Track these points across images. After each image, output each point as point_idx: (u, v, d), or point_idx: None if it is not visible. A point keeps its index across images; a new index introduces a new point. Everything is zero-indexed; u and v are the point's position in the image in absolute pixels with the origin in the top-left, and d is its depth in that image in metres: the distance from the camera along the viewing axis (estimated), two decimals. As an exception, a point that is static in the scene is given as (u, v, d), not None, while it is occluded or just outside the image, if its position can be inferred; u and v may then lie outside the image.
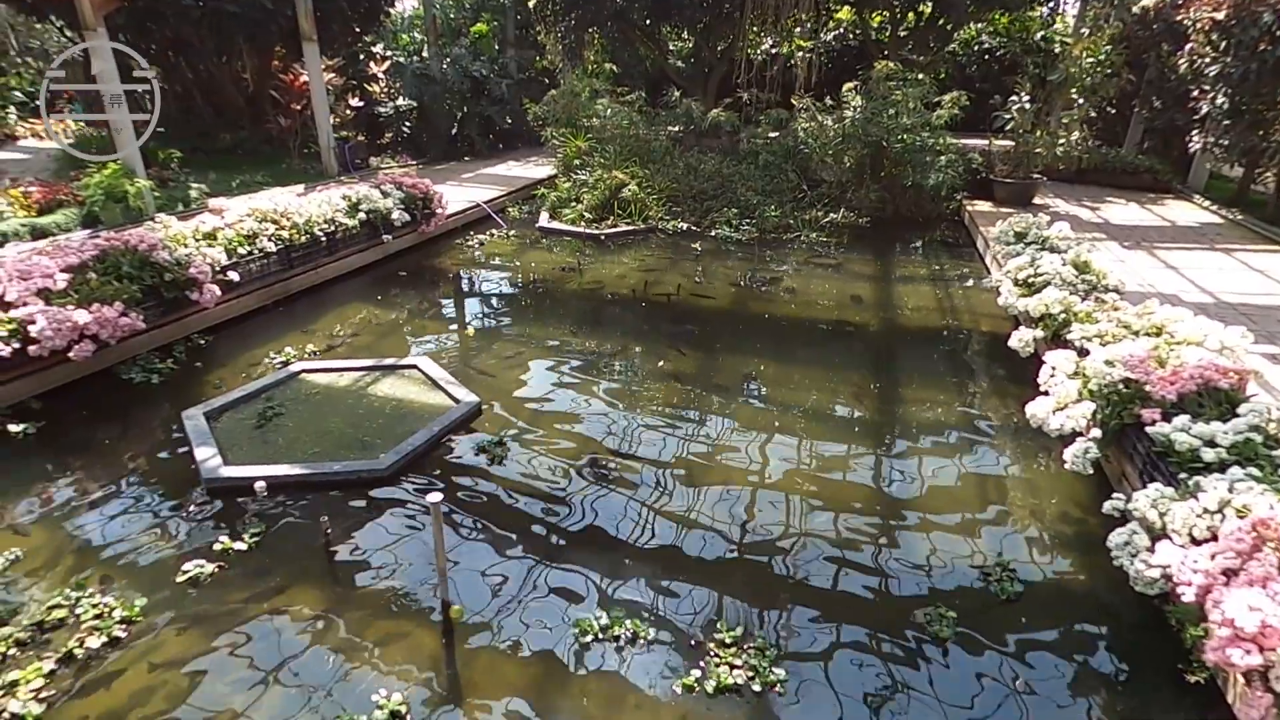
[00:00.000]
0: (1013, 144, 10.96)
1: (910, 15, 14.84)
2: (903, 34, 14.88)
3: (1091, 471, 3.85)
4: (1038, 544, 3.80)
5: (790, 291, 7.89)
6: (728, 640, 3.03)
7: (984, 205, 10.72)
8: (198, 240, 6.37)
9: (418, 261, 8.78)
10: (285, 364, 5.70)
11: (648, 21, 15.48)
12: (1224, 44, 8.72)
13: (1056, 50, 11.58)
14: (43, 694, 2.79)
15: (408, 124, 14.61)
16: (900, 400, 5.46)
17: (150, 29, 12.53)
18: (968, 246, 9.71)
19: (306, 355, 5.91)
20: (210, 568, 3.44)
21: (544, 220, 10.43)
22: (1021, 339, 5.26)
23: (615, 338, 6.53)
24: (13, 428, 4.64)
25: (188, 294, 5.91)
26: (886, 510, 4.03)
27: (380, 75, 15.96)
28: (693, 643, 3.06)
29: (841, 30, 17.44)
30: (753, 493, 4.16)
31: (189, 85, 13.83)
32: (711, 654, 2.99)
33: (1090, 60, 10.25)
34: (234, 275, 6.37)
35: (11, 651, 2.96)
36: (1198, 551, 2.75)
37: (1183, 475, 3.23)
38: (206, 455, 4.28)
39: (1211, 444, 3.28)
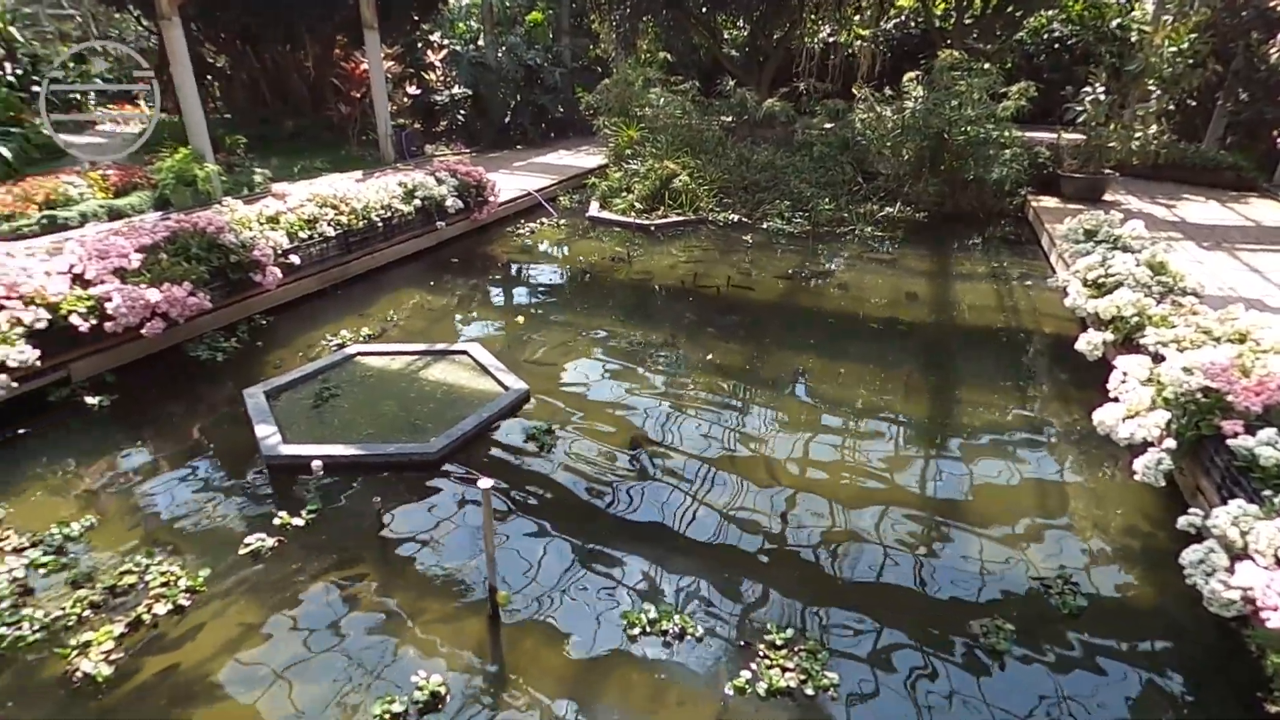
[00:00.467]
0: (1083, 138, 10.48)
1: (977, 2, 14.31)
2: (968, 21, 14.36)
3: (1163, 484, 3.65)
4: (1102, 557, 3.64)
5: (842, 287, 7.72)
6: (778, 642, 2.98)
7: (1050, 201, 10.30)
8: (261, 224, 6.57)
9: (470, 248, 8.89)
10: (341, 346, 5.85)
11: (703, 9, 15.31)
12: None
13: (1134, 39, 11.01)
14: (112, 656, 2.92)
15: (462, 112, 14.79)
16: (954, 401, 5.29)
17: (218, 18, 12.95)
18: (1031, 244, 9.34)
19: (361, 338, 6.05)
20: (271, 541, 3.55)
21: (594, 210, 10.43)
22: (1090, 342, 5.02)
23: (663, 329, 6.50)
24: (90, 400, 4.87)
25: (251, 276, 6.11)
26: (936, 513, 3.92)
27: (437, 63, 16.19)
28: (742, 643, 3.03)
29: (903, 18, 16.92)
30: (797, 489, 4.09)
31: (256, 74, 14.25)
32: (762, 655, 2.95)
33: (1171, 49, 9.71)
34: (295, 258, 6.55)
35: (85, 613, 3.11)
36: (1284, 574, 2.58)
37: (1267, 492, 3.04)
38: (266, 433, 4.41)
39: (1302, 460, 3.08)
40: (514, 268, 8.56)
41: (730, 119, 12.86)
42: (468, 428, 4.53)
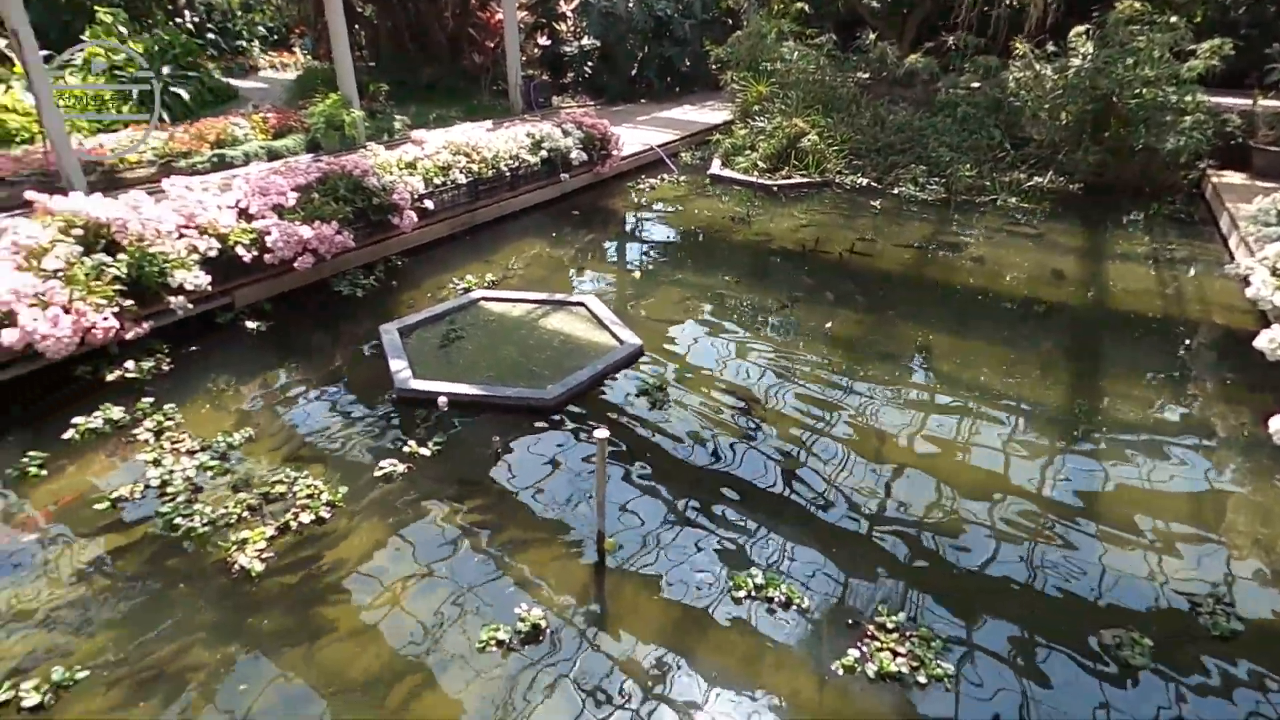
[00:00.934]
0: (1286, 104, 9.10)
1: (1168, -56, 12.57)
2: (1154, -33, 12.66)
3: (1351, 507, 3.22)
4: (1262, 578, 3.27)
5: (977, 260, 7.20)
6: (889, 625, 2.90)
7: (1235, 177, 9.08)
8: (400, 169, 6.91)
9: (591, 201, 8.98)
10: (467, 291, 6.11)
11: (846, -45, 14.33)
12: None
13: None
14: (264, 555, 3.26)
15: (590, 64, 14.79)
16: (1095, 392, 4.85)
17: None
18: (1206, 224, 8.30)
19: (485, 284, 6.29)
20: (401, 468, 3.82)
21: (716, 167, 10.23)
22: (1274, 340, 4.44)
23: (779, 293, 6.33)
24: (249, 325, 5.38)
25: (390, 218, 6.46)
26: (1061, 510, 3.64)
27: (568, 14, 16.20)
28: (850, 621, 2.97)
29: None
30: (907, 466, 3.92)
31: (399, 23, 14.84)
32: (870, 635, 2.88)
33: None
34: (429, 203, 6.86)
35: (244, 514, 3.48)
36: None
37: None
38: (398, 367, 4.71)
39: None
40: (632, 223, 8.58)
41: (867, 75, 12.12)
42: (583, 378, 4.64)
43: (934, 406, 4.59)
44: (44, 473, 3.79)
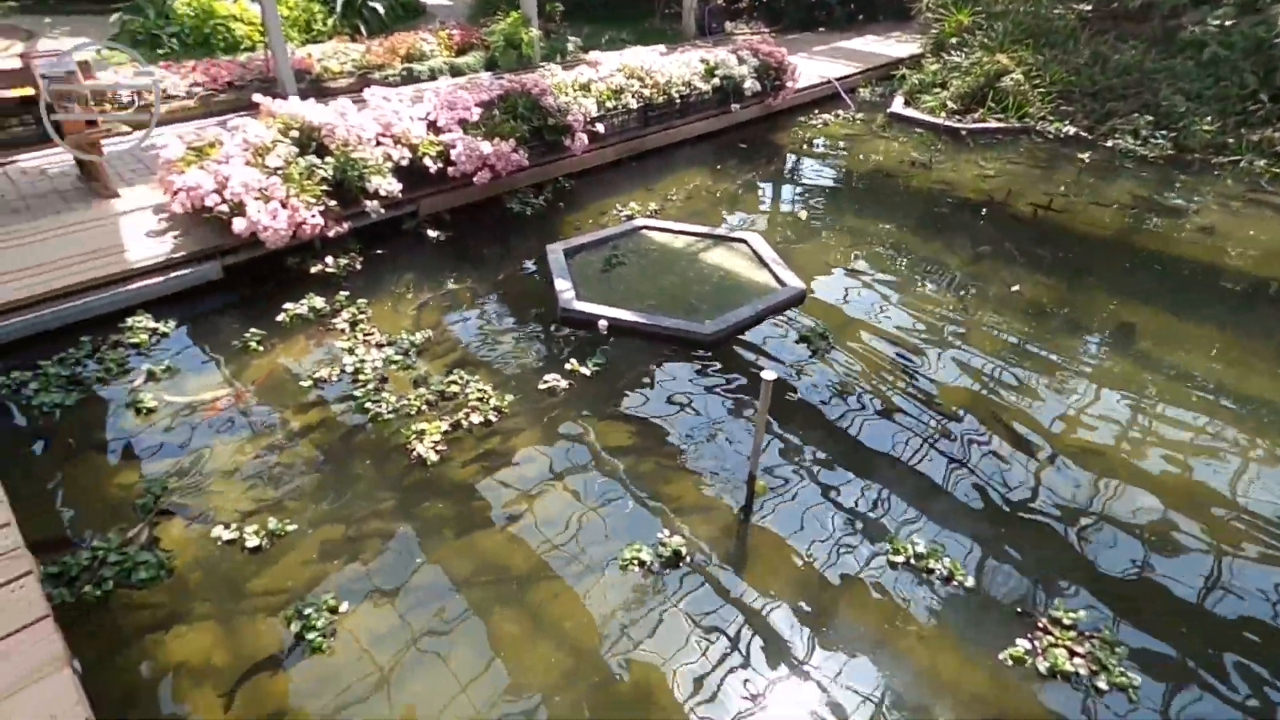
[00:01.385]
0: None
1: None
2: None
3: None
4: None
5: (1205, 231, 6.22)
6: (1065, 620, 2.69)
7: None
8: (575, 90, 6.94)
9: (759, 135, 8.63)
10: (630, 218, 6.12)
11: None
12: None
13: None
14: (438, 447, 3.54)
15: (768, -13, 13.97)
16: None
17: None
18: None
19: (648, 213, 6.27)
20: (563, 383, 3.98)
21: (897, 105, 9.45)
22: None
23: (959, 249, 5.83)
24: (430, 233, 5.72)
25: (563, 139, 6.54)
26: (1268, 526, 3.16)
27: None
28: (1020, 610, 2.78)
29: None
30: (1098, 458, 3.53)
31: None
32: (1044, 629, 2.69)
33: None
34: (600, 127, 6.86)
35: (423, 407, 3.78)
36: None
37: None
38: (563, 287, 4.84)
39: None
40: (800, 160, 8.17)
41: (1089, 7, 10.55)
42: (743, 315, 4.56)
43: (1131, 391, 4.10)
44: (260, 349, 4.29)
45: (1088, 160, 7.84)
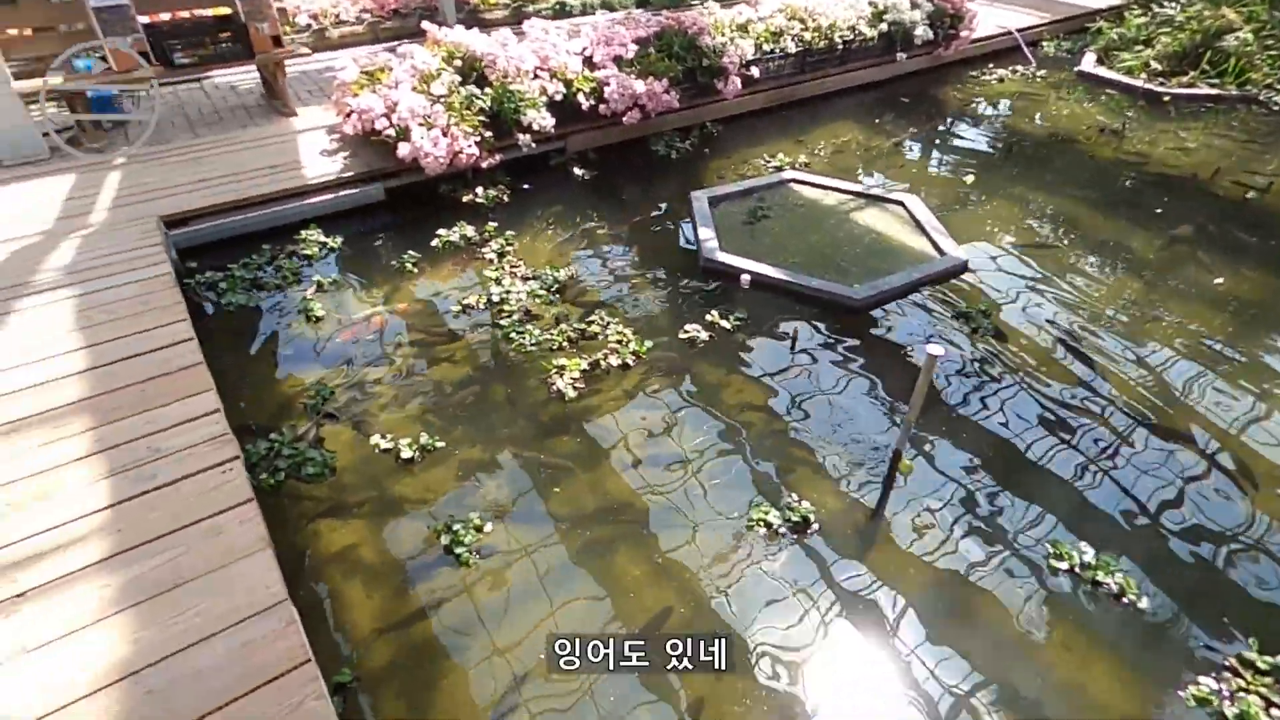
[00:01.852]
0: None
1: None
2: None
3: None
4: None
5: None
6: (1261, 665, 2.39)
7: None
8: (732, 31, 6.64)
9: (923, 88, 7.97)
10: (778, 170, 5.87)
11: None
12: None
13: None
14: (576, 384, 3.58)
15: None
16: None
17: None
18: None
19: (797, 166, 5.98)
20: (703, 335, 3.91)
21: (1087, 63, 8.42)
22: None
23: (1148, 230, 5.19)
24: (576, 171, 5.73)
25: (715, 82, 6.31)
26: None
27: None
28: (1205, 645, 2.50)
29: None
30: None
31: None
32: (1234, 671, 2.41)
33: None
34: (755, 71, 6.56)
35: (564, 344, 3.83)
36: None
37: None
38: (706, 237, 4.73)
39: None
40: (968, 119, 7.49)
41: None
42: (895, 283, 4.29)
43: (1360, 413, 3.53)
44: (415, 270, 4.49)
45: (1323, 139, 6.71)
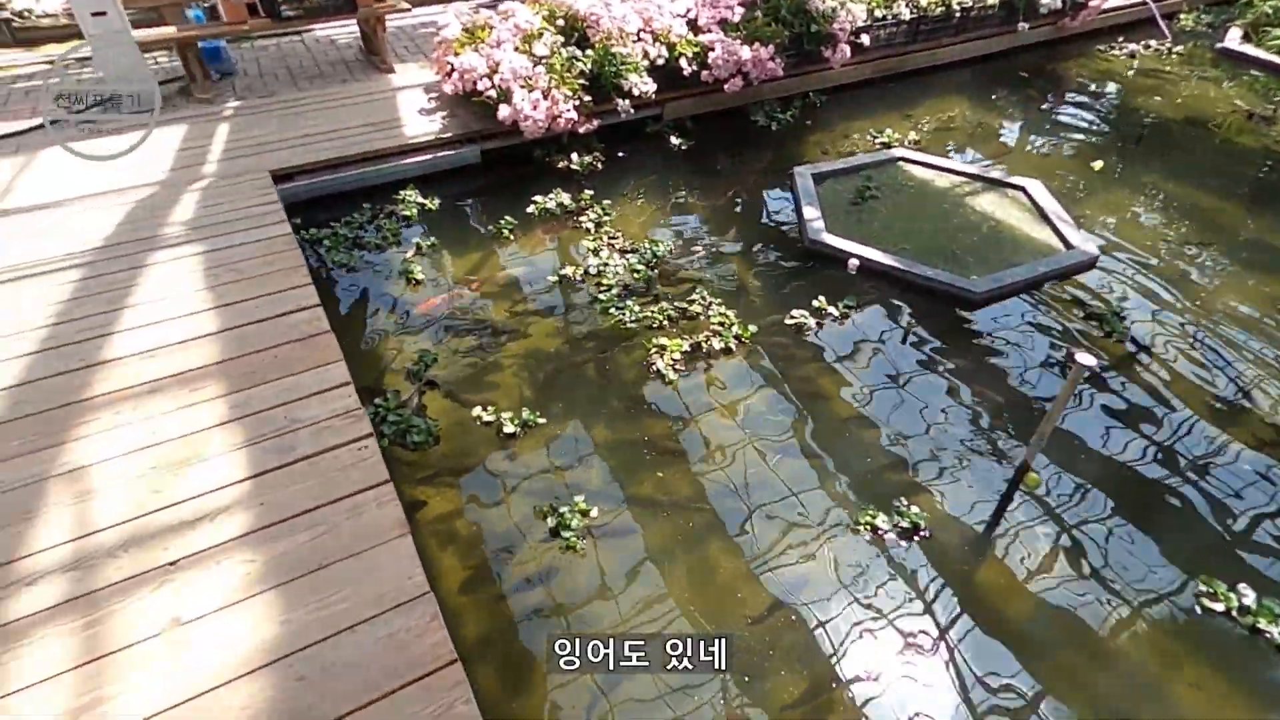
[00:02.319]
0: None
1: None
2: None
3: None
4: None
5: None
6: None
7: None
8: (843, -7, 6.24)
9: (1043, 62, 7.38)
10: (887, 146, 5.54)
11: None
12: None
13: None
14: (677, 366, 3.47)
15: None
16: None
17: None
18: None
19: (907, 143, 5.63)
20: (811, 322, 3.73)
21: (1231, 39, 7.63)
22: None
23: (1308, 232, 4.68)
24: (673, 140, 5.54)
25: (822, 49, 5.97)
26: None
27: None
28: None
29: None
30: None
31: None
32: None
33: None
34: (865, 38, 6.17)
35: (664, 322, 3.71)
36: None
37: None
38: (812, 216, 4.50)
39: None
40: (1092, 97, 6.90)
41: None
42: (1017, 277, 3.99)
43: None
44: (511, 237, 4.43)
45: None
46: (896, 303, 3.93)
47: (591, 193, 4.80)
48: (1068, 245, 4.31)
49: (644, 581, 2.56)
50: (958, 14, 6.78)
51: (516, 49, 4.98)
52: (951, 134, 5.96)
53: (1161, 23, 8.13)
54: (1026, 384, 3.44)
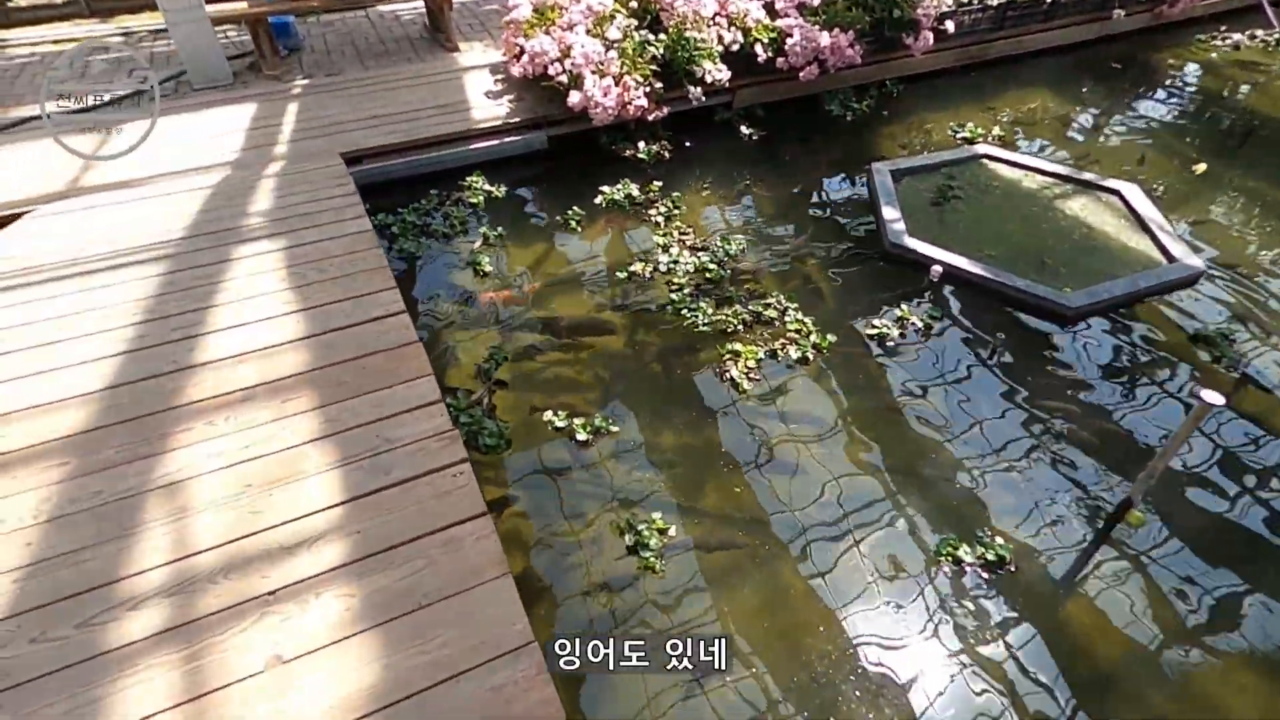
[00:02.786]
0: None
1: None
2: None
3: None
4: None
5: None
6: None
7: None
8: (927, -25, 5.91)
9: (1137, 52, 6.93)
10: (970, 142, 5.26)
11: None
12: None
13: None
14: (752, 375, 3.35)
15: None
16: None
17: None
18: None
19: (989, 137, 5.35)
20: (895, 333, 3.56)
21: (1347, 30, 7.06)
22: None
23: None
24: (743, 129, 5.34)
25: (904, 36, 5.68)
26: None
27: None
28: None
29: None
30: None
31: None
32: None
33: None
34: (949, 24, 5.85)
35: (738, 327, 3.58)
36: None
37: None
38: (892, 217, 4.30)
39: None
40: (1191, 91, 6.47)
41: None
42: (1116, 292, 3.75)
43: None
44: (579, 229, 4.33)
45: None
46: (983, 315, 3.74)
47: (660, 184, 4.66)
48: (1169, 257, 4.04)
49: (718, 603, 2.48)
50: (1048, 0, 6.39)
51: (588, 32, 4.83)
52: (1035, 128, 5.65)
53: (1269, 11, 7.56)
54: (1123, 411, 3.24)
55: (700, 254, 4.07)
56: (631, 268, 3.97)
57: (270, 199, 3.86)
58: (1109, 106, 6.05)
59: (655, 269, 3.98)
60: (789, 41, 5.12)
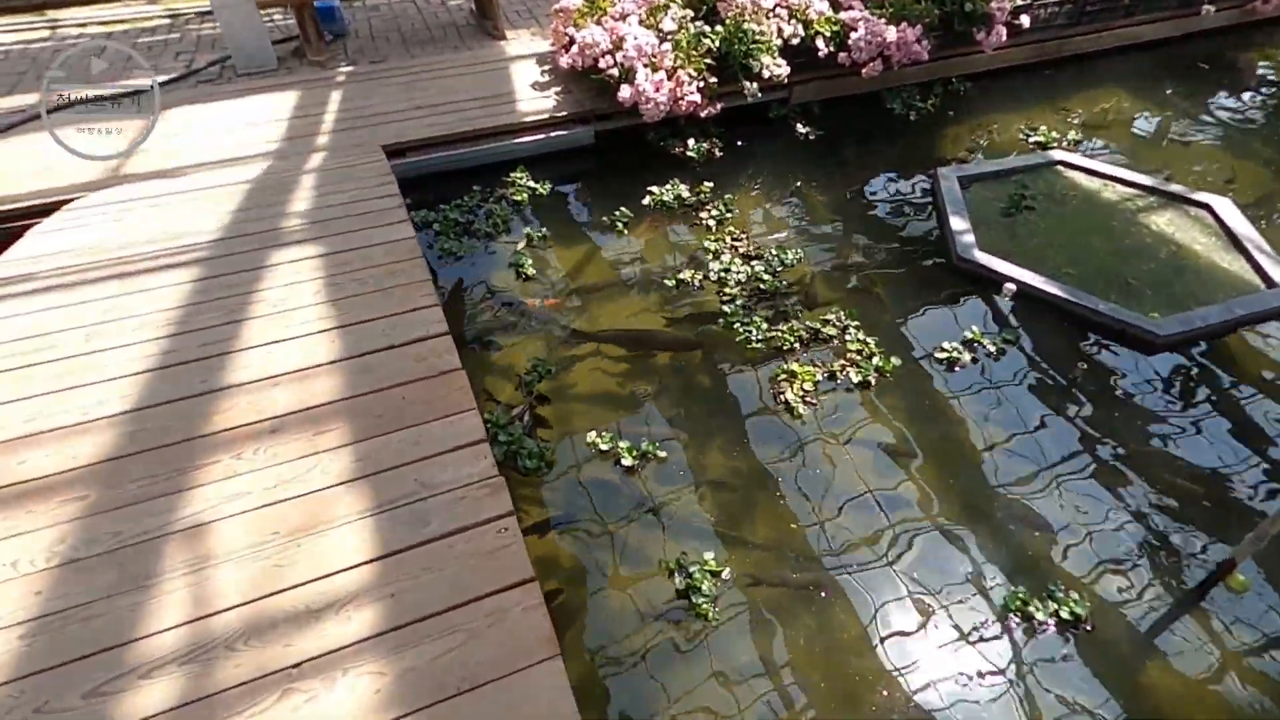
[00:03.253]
0: None
1: None
2: None
3: None
4: None
5: None
6: None
7: None
8: (1002, -34, 5.54)
9: (1224, 50, 6.46)
10: (1044, 147, 4.92)
11: None
12: None
13: None
14: (809, 399, 3.13)
15: None
16: None
17: None
18: None
19: (1065, 141, 5.00)
20: (966, 356, 3.30)
21: None
22: None
23: None
24: (800, 128, 5.07)
25: (975, 30, 5.33)
26: None
27: None
28: None
29: None
30: None
31: None
32: None
33: None
34: (1024, 19, 5.48)
35: (795, 344, 3.36)
36: None
37: None
38: (961, 228, 4.02)
39: None
40: (1283, 96, 6.01)
41: None
42: (1210, 320, 3.43)
43: None
44: (625, 230, 4.13)
45: None
46: (1060, 339, 3.46)
47: (711, 185, 4.43)
48: (1269, 282, 3.70)
49: (769, 658, 2.29)
50: (1134, -8, 5.96)
51: (642, 22, 4.60)
52: (1113, 132, 5.28)
53: (1374, 8, 6.98)
54: (1220, 457, 2.95)
55: (754, 262, 3.85)
56: (681, 275, 3.77)
57: (310, 197, 3.70)
58: (1196, 110, 5.63)
59: (705, 277, 3.77)
60: (853, 36, 4.83)
